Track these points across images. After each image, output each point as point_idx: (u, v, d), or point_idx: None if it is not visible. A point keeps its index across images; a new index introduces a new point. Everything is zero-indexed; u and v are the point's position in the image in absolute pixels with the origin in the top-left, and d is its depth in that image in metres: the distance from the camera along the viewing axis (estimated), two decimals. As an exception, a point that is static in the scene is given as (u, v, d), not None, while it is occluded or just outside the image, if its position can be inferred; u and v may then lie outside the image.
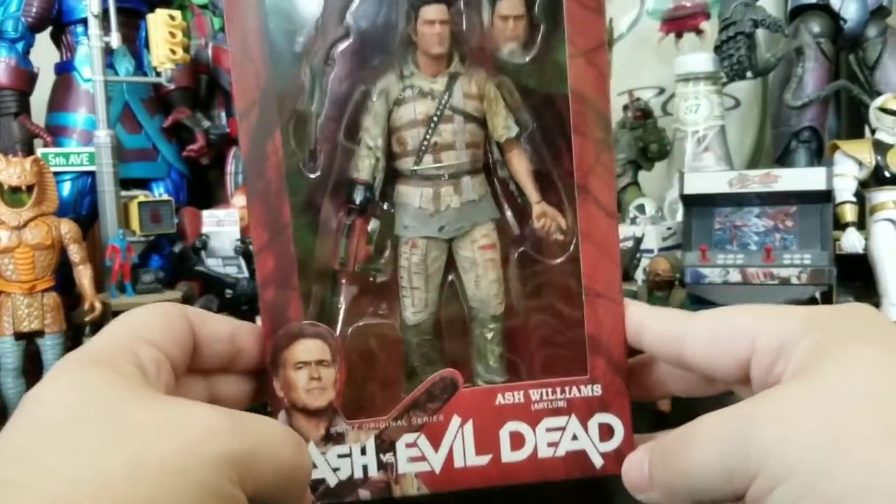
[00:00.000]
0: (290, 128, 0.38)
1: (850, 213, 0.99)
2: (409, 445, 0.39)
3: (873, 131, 1.03)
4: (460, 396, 0.39)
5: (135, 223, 1.11)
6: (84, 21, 1.12)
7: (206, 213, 1.16)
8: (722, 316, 0.33)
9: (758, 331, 0.31)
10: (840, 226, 0.99)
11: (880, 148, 0.98)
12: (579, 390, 0.39)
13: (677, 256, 1.01)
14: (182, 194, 1.27)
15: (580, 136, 0.38)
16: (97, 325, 0.97)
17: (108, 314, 1.01)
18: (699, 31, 1.30)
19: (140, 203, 1.11)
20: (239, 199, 1.21)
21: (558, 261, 0.40)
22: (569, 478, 0.39)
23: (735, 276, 0.99)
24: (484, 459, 0.39)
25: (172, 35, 1.11)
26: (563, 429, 0.39)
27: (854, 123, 1.29)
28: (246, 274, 1.11)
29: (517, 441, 0.39)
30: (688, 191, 1.04)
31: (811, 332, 0.28)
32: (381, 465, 0.39)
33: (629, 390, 0.38)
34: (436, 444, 0.39)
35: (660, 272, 0.92)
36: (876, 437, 0.23)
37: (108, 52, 1.12)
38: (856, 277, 1.03)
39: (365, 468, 0.39)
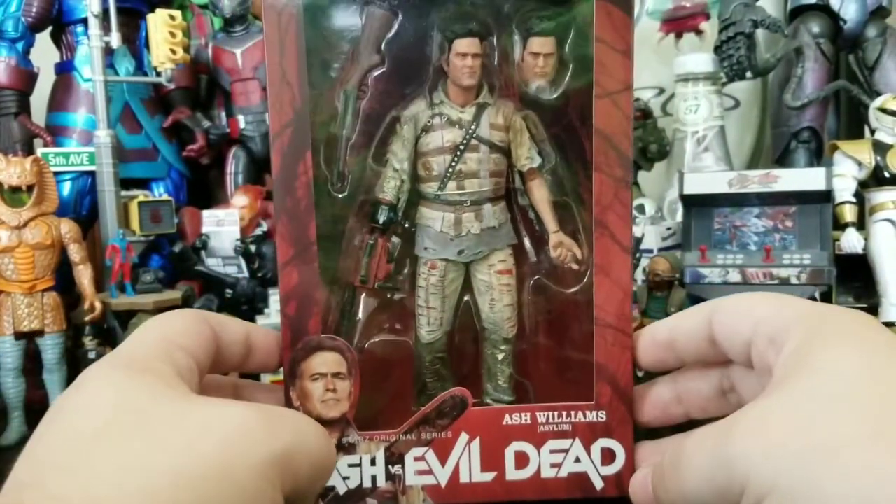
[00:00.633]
0: (321, 149, 0.39)
1: (849, 214, 0.99)
2: (417, 459, 0.40)
3: (873, 132, 1.03)
4: (469, 414, 0.40)
5: (135, 223, 1.11)
6: (84, 21, 1.12)
7: (206, 213, 1.16)
8: (738, 298, 0.34)
9: (758, 317, 0.31)
10: (840, 226, 1.00)
11: (880, 148, 0.99)
12: (584, 415, 0.40)
13: (677, 256, 1.01)
14: (182, 194, 1.27)
15: (600, 173, 0.39)
16: (97, 325, 0.97)
17: (108, 314, 1.02)
18: (699, 32, 1.30)
19: (140, 203, 1.11)
20: (239, 199, 1.21)
21: (572, 290, 0.41)
22: (569, 498, 0.40)
23: (735, 276, 0.99)
24: (489, 476, 0.40)
25: (172, 35, 1.11)
26: (566, 451, 0.40)
27: (854, 124, 1.29)
28: (246, 274, 1.11)
29: (522, 460, 0.40)
30: (687, 191, 1.04)
31: (799, 332, 0.29)
32: (390, 477, 0.40)
33: (633, 417, 0.39)
34: (443, 459, 0.40)
35: (659, 272, 0.92)
36: (853, 442, 0.23)
37: (108, 52, 1.12)
38: (855, 278, 1.03)
39: (374, 478, 0.40)
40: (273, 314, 1.04)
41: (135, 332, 0.31)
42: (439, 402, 0.40)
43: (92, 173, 1.12)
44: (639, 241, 1.04)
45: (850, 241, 0.98)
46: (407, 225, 0.42)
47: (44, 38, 1.21)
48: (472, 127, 0.40)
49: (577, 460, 0.40)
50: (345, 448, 0.40)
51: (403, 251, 0.42)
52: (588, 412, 0.40)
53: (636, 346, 0.39)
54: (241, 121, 1.30)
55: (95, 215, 1.13)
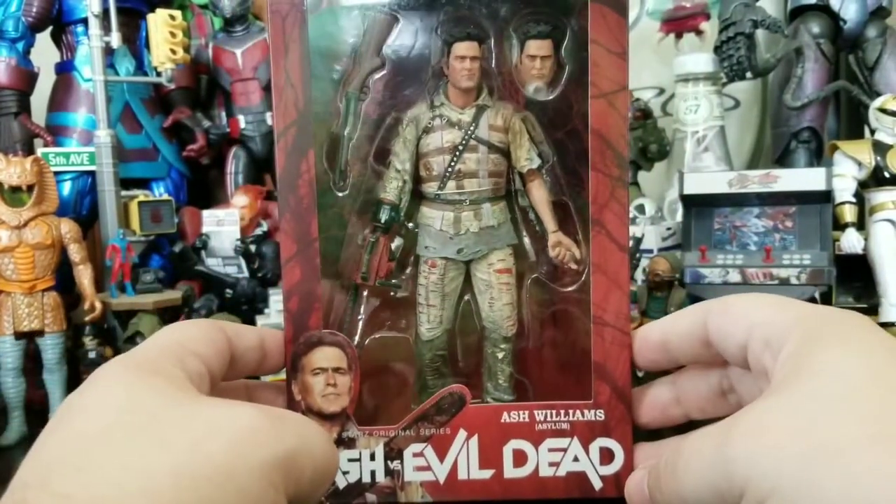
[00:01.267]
0: (323, 148, 0.39)
1: (849, 214, 0.99)
2: (416, 455, 0.40)
3: (873, 132, 1.03)
4: (468, 412, 0.40)
5: (135, 223, 1.11)
6: (84, 21, 1.12)
7: (206, 213, 1.16)
8: (732, 300, 0.34)
9: (754, 320, 0.31)
10: (839, 226, 1.00)
11: (880, 148, 0.99)
12: (583, 414, 0.40)
13: (677, 256, 1.01)
14: (182, 194, 1.27)
15: (597, 173, 0.39)
16: (97, 325, 0.97)
17: (108, 314, 1.02)
18: (699, 32, 1.30)
19: (140, 203, 1.11)
20: (239, 199, 1.21)
21: (570, 289, 0.41)
22: (568, 497, 0.40)
23: (735, 276, 0.99)
24: (487, 474, 0.40)
25: (173, 35, 1.11)
26: (564, 450, 0.40)
27: (854, 124, 1.29)
28: (246, 274, 1.11)
29: (520, 458, 0.40)
30: (687, 191, 1.04)
31: (797, 334, 0.28)
32: (389, 472, 0.40)
33: (632, 417, 0.39)
34: (441, 456, 0.40)
35: (659, 272, 0.92)
36: (855, 444, 0.23)
37: (108, 51, 1.12)
38: (855, 278, 1.03)
39: (373, 473, 0.40)
40: (273, 314, 1.04)
41: (150, 337, 0.31)
42: (438, 398, 0.41)
43: (92, 173, 1.12)
44: (639, 241, 1.04)
45: (850, 242, 0.98)
46: (410, 225, 0.42)
47: (44, 38, 1.21)
48: (471, 128, 0.41)
49: (576, 459, 0.40)
50: (345, 443, 0.40)
51: (405, 249, 0.43)
52: (587, 411, 0.40)
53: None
54: (242, 121, 1.30)
55: (95, 215, 1.13)
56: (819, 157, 1.19)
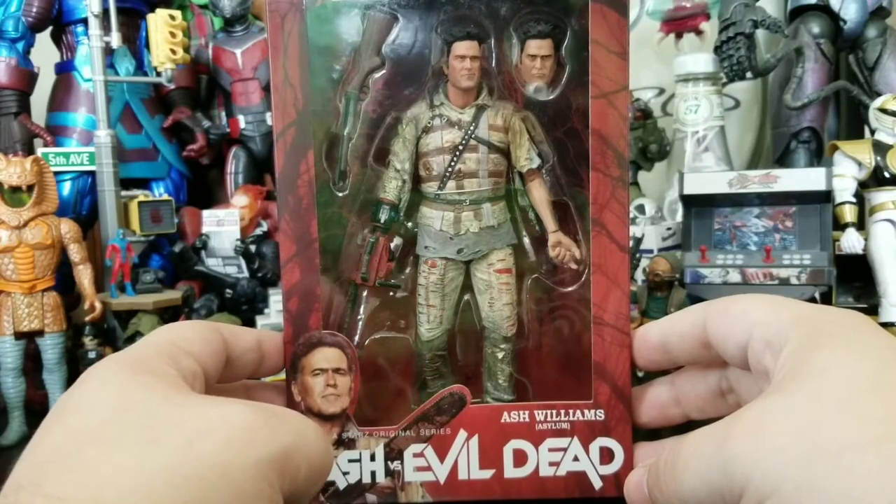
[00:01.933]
0: (322, 148, 0.39)
1: (849, 214, 0.99)
2: (416, 455, 0.40)
3: (873, 132, 1.03)
4: (468, 412, 0.40)
5: (135, 223, 1.11)
6: (84, 21, 1.12)
7: (206, 213, 1.16)
8: (731, 301, 0.34)
9: (754, 320, 0.31)
10: (840, 226, 1.00)
11: (880, 148, 0.99)
12: (583, 414, 0.40)
13: (677, 257, 1.01)
14: (182, 194, 1.27)
15: (597, 173, 0.39)
16: (97, 325, 0.97)
17: (108, 314, 1.02)
18: (699, 32, 1.30)
19: (140, 203, 1.11)
20: (239, 199, 1.21)
21: (570, 289, 0.41)
22: (568, 497, 0.40)
23: (735, 276, 0.99)
24: (487, 474, 0.40)
25: (173, 35, 1.11)
26: (564, 450, 0.40)
27: (854, 124, 1.29)
28: (246, 274, 1.11)
29: (520, 458, 0.40)
30: (687, 191, 1.04)
31: (798, 334, 0.28)
32: (389, 472, 0.40)
33: (631, 417, 0.39)
34: (442, 456, 0.40)
35: (659, 272, 0.92)
36: (857, 446, 0.23)
37: (108, 51, 1.12)
38: (855, 278, 1.03)
39: (373, 474, 0.40)
40: (273, 314, 1.04)
41: (144, 336, 0.31)
42: (438, 398, 0.40)
43: (92, 173, 1.12)
44: (639, 241, 1.04)
45: (850, 242, 0.98)
46: (410, 225, 0.42)
47: (44, 38, 1.21)
48: (471, 128, 0.41)
49: (576, 459, 0.40)
50: (345, 443, 0.40)
51: (404, 250, 0.43)
52: (587, 411, 0.40)
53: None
54: (241, 121, 1.30)
55: (95, 215, 1.13)
56: (819, 157, 1.19)
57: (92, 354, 0.96)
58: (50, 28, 1.20)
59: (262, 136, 1.29)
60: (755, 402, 0.27)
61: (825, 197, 0.98)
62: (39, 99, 1.20)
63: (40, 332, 0.90)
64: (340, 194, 0.40)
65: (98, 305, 0.96)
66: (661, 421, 0.39)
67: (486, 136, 0.41)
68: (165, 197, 1.19)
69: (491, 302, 0.43)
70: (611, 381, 0.40)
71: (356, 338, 0.41)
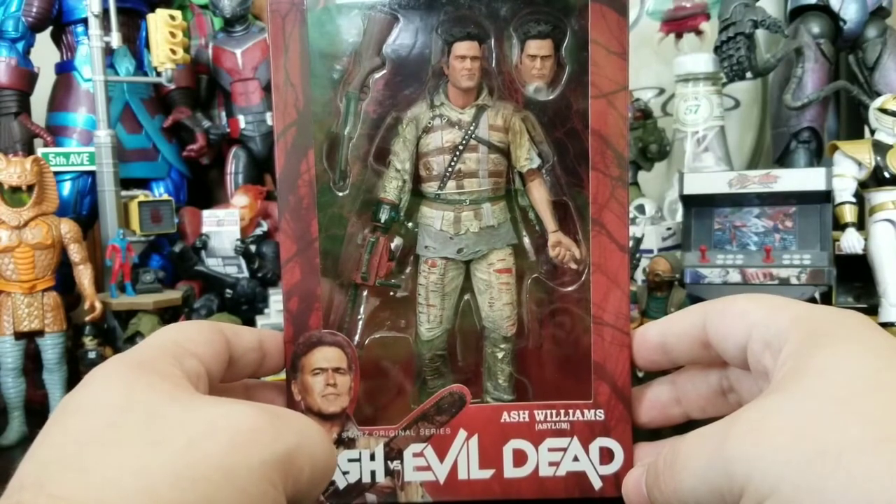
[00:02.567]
0: (323, 148, 0.40)
1: (849, 214, 0.99)
2: (416, 455, 0.40)
3: (873, 132, 1.03)
4: (468, 412, 0.40)
5: (135, 223, 1.11)
6: (84, 21, 1.12)
7: (206, 213, 1.16)
8: (730, 301, 0.34)
9: (753, 320, 0.31)
10: (839, 226, 1.00)
11: (880, 148, 0.99)
12: (583, 414, 0.40)
13: (677, 257, 1.01)
14: (182, 194, 1.27)
15: (597, 173, 0.39)
16: (97, 325, 0.97)
17: (108, 314, 1.02)
18: (699, 32, 1.30)
19: (140, 203, 1.11)
20: (239, 199, 1.21)
21: (570, 289, 0.42)
22: (568, 497, 0.40)
23: (735, 276, 0.99)
24: (487, 473, 0.40)
25: (173, 35, 1.11)
26: (564, 450, 0.40)
27: (854, 124, 1.29)
28: (246, 274, 1.11)
29: (520, 458, 0.40)
30: (687, 191, 1.04)
31: (797, 335, 0.28)
32: (389, 472, 0.40)
33: (631, 417, 0.39)
34: (441, 456, 0.40)
35: (659, 272, 0.92)
36: (857, 446, 0.23)
37: (108, 51, 1.12)
38: (855, 278, 1.03)
39: (373, 473, 0.40)
40: (273, 314, 1.04)
41: (147, 337, 0.31)
42: (438, 398, 0.41)
43: (92, 173, 1.12)
44: (639, 241, 1.04)
45: (850, 242, 0.98)
46: (410, 224, 0.42)
47: (44, 38, 1.21)
48: (471, 128, 0.41)
49: (576, 459, 0.40)
50: (345, 443, 0.40)
51: (405, 249, 0.43)
52: (586, 411, 0.40)
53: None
54: (242, 121, 1.30)
55: (95, 215, 1.13)
56: (819, 157, 1.19)
57: (92, 354, 0.96)
58: (50, 28, 1.20)
59: (262, 136, 1.29)
60: (754, 402, 0.27)
61: (825, 197, 0.98)
62: (39, 99, 1.20)
63: (40, 332, 0.90)
64: (341, 194, 0.41)
65: (98, 305, 0.96)
66: (662, 421, 0.40)
67: (487, 136, 0.41)
68: (165, 197, 1.19)
69: (491, 302, 0.43)
70: (611, 381, 0.40)
71: (356, 337, 0.41)
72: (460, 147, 0.41)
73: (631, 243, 1.02)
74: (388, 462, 0.40)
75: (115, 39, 1.09)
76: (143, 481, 0.22)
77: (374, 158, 0.41)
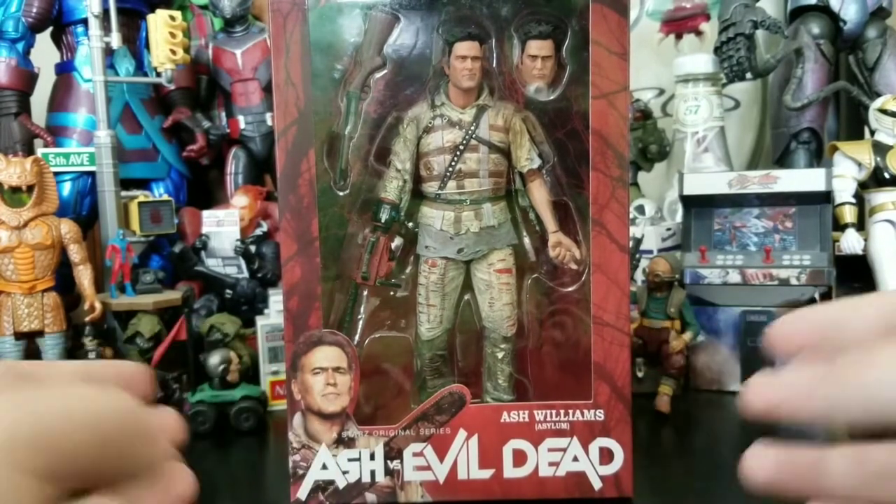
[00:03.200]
0: (324, 148, 0.40)
1: (849, 214, 1.00)
2: (415, 454, 0.40)
3: (873, 132, 1.03)
4: (467, 411, 0.41)
5: (135, 223, 1.11)
6: (84, 21, 1.12)
7: (206, 214, 1.16)
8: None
9: None
10: (839, 227, 1.00)
11: (880, 149, 0.99)
12: (582, 414, 0.40)
13: (677, 257, 1.01)
14: (182, 194, 1.27)
15: (598, 173, 0.40)
16: (97, 326, 0.97)
17: (108, 314, 1.02)
18: (699, 33, 1.30)
19: (140, 203, 1.11)
20: (239, 200, 1.21)
21: (570, 289, 0.42)
22: (568, 497, 0.40)
23: (734, 276, 0.99)
24: (486, 473, 0.40)
25: (173, 35, 1.11)
26: (564, 450, 0.40)
27: (854, 124, 1.30)
28: (246, 274, 1.11)
29: (519, 458, 0.40)
30: (687, 191, 1.04)
31: None
32: (389, 472, 0.40)
33: (631, 417, 0.39)
34: (441, 456, 0.40)
35: (659, 273, 0.92)
36: None
37: (108, 52, 1.12)
38: (855, 278, 1.03)
39: (373, 473, 0.40)
40: (273, 314, 1.04)
41: None
42: (438, 398, 0.41)
43: (92, 174, 1.12)
44: (639, 241, 1.04)
45: (850, 242, 0.99)
46: (410, 224, 0.42)
47: (44, 39, 1.21)
48: (472, 128, 0.41)
49: (576, 459, 0.40)
50: (345, 442, 0.40)
51: (405, 249, 0.43)
52: (586, 411, 0.40)
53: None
54: (241, 121, 1.30)
55: (95, 216, 1.13)
56: (819, 157, 1.19)
57: (92, 355, 0.96)
58: (50, 28, 1.20)
59: (262, 137, 1.29)
60: None
61: (825, 197, 0.98)
62: (39, 99, 1.20)
63: (40, 333, 0.90)
64: (341, 194, 0.41)
65: (98, 306, 0.96)
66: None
67: (487, 136, 0.41)
68: (165, 197, 1.19)
69: (491, 302, 0.43)
70: (610, 381, 0.40)
71: (356, 337, 0.41)
72: (461, 147, 0.41)
73: (631, 244, 1.02)
74: (388, 461, 0.40)
75: (115, 40, 1.09)
76: None
77: (375, 158, 0.42)
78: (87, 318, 0.97)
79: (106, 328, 1.01)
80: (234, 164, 1.32)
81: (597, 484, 0.39)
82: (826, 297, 0.95)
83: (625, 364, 0.40)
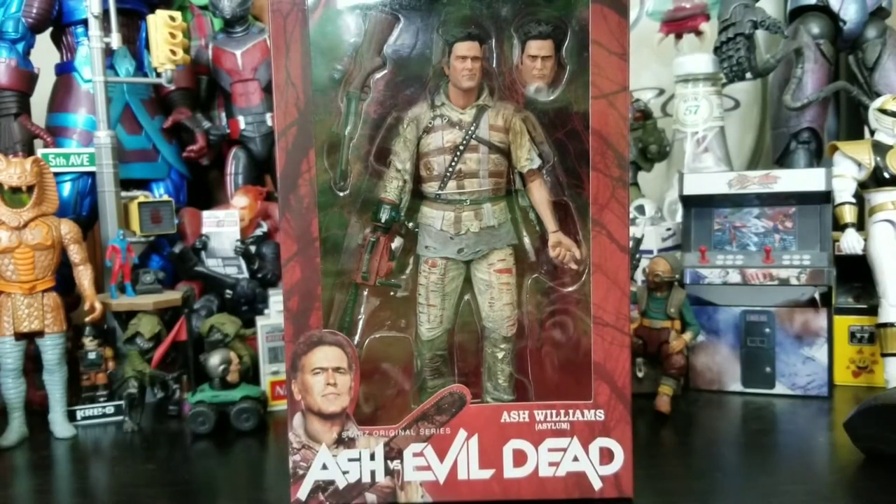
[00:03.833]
0: (324, 148, 0.40)
1: (849, 214, 1.00)
2: (416, 455, 0.40)
3: (872, 132, 1.04)
4: (467, 411, 0.41)
5: (135, 224, 1.11)
6: (84, 22, 1.12)
7: (206, 214, 1.16)
8: None
9: None
10: (839, 227, 1.00)
11: (879, 149, 0.99)
12: (583, 414, 0.40)
13: (677, 257, 1.01)
14: (182, 195, 1.28)
15: (598, 173, 0.40)
16: (97, 326, 0.97)
17: (108, 314, 1.02)
18: (699, 33, 1.30)
19: (140, 204, 1.11)
20: (239, 200, 1.21)
21: (570, 289, 0.42)
22: (568, 498, 0.40)
23: (734, 276, 0.99)
24: (486, 474, 0.40)
25: (173, 36, 1.11)
26: (564, 450, 0.40)
27: (853, 124, 1.30)
28: (246, 274, 1.11)
29: (520, 458, 0.40)
30: (687, 191, 1.04)
31: None
32: (389, 472, 0.40)
33: (631, 417, 0.40)
34: (441, 456, 0.40)
35: (659, 273, 0.92)
36: None
37: (108, 52, 1.12)
38: (855, 278, 1.03)
39: (373, 473, 0.40)
40: (273, 314, 1.04)
41: None
42: (438, 398, 0.41)
43: (92, 174, 1.12)
44: (639, 241, 1.05)
45: (850, 242, 0.99)
46: (410, 224, 0.42)
47: (44, 39, 1.21)
48: (472, 128, 0.41)
49: (576, 459, 0.40)
50: (345, 442, 0.40)
51: (405, 249, 0.43)
52: (586, 411, 0.40)
53: None
54: (241, 121, 1.30)
55: (96, 216, 1.13)
56: (819, 157, 1.20)
57: (92, 355, 0.97)
58: (50, 29, 1.20)
59: (262, 137, 1.29)
60: None
61: (825, 197, 0.98)
62: (40, 100, 1.20)
63: (40, 333, 0.90)
64: (341, 194, 0.41)
65: (98, 306, 0.96)
66: None
67: (487, 136, 0.41)
68: (165, 198, 1.19)
69: (491, 302, 0.43)
70: (611, 381, 0.40)
71: (356, 337, 0.41)
72: (461, 147, 0.41)
73: (631, 244, 1.02)
74: (388, 462, 0.40)
75: (115, 40, 1.09)
76: None
77: (375, 158, 0.42)
78: (87, 319, 0.97)
79: (106, 328, 1.01)
80: (234, 164, 1.32)
81: (597, 484, 0.39)
82: (826, 297, 0.95)
83: (625, 364, 0.40)
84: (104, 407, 0.96)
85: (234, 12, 1.26)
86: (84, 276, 0.96)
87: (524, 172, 0.42)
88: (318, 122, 0.39)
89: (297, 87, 0.38)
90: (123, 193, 1.12)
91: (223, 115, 1.35)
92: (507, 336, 0.43)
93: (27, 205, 0.89)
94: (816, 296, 0.95)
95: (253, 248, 1.12)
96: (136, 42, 1.22)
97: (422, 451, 0.40)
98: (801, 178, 1.00)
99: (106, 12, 1.08)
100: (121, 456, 0.84)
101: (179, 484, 0.72)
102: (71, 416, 0.93)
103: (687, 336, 0.93)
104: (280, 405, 0.95)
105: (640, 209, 1.21)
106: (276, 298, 1.04)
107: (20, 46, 1.15)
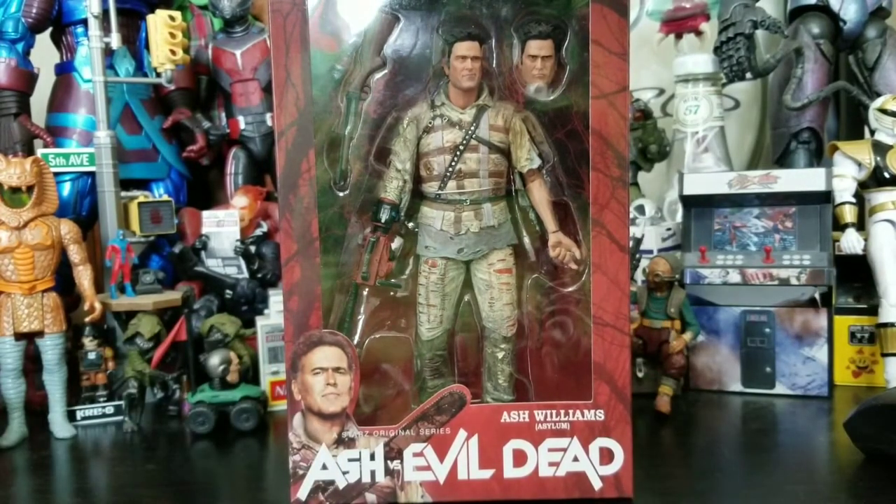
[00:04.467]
0: (324, 148, 0.40)
1: (849, 214, 1.00)
2: (416, 455, 0.40)
3: (873, 132, 1.04)
4: (468, 411, 0.41)
5: (135, 224, 1.11)
6: (84, 22, 1.12)
7: (206, 214, 1.16)
8: None
9: None
10: (839, 227, 1.00)
11: (880, 149, 0.99)
12: (583, 414, 0.40)
13: (677, 257, 1.01)
14: (182, 195, 1.28)
15: (597, 173, 0.40)
16: (97, 326, 0.97)
17: (108, 315, 1.02)
18: (699, 33, 1.30)
19: (140, 204, 1.11)
20: (239, 200, 1.21)
21: (570, 289, 0.42)
22: (568, 498, 0.40)
23: (734, 276, 0.99)
24: (486, 474, 0.40)
25: (172, 36, 1.11)
26: (564, 450, 0.40)
27: (853, 124, 1.30)
28: (246, 274, 1.11)
29: (520, 458, 0.40)
30: (687, 191, 1.04)
31: None
32: (389, 472, 0.40)
33: (631, 417, 0.40)
34: (441, 456, 0.40)
35: (659, 273, 0.92)
36: None
37: (108, 52, 1.12)
38: (855, 278, 1.03)
39: (373, 473, 0.40)
40: (273, 314, 1.04)
41: None
42: (438, 398, 0.41)
43: (92, 174, 1.12)
44: (639, 241, 1.05)
45: (850, 242, 0.99)
46: (410, 224, 0.42)
47: (44, 39, 1.21)
48: (472, 128, 0.41)
49: (576, 459, 0.40)
50: (345, 442, 0.40)
51: (405, 249, 0.43)
52: (586, 411, 0.40)
53: None
54: (241, 121, 1.30)
55: (95, 216, 1.13)
56: (819, 157, 1.20)
57: (92, 355, 0.97)
58: (50, 29, 1.20)
59: (261, 137, 1.29)
60: None
61: (825, 197, 0.98)
62: (39, 100, 1.20)
63: (40, 333, 0.90)
64: (341, 194, 0.41)
65: (98, 306, 0.96)
66: None
67: (487, 136, 0.41)
68: (165, 198, 1.19)
69: (491, 302, 0.43)
70: (610, 381, 0.40)
71: (356, 337, 0.41)
72: (461, 147, 0.41)
73: (631, 244, 1.02)
74: (388, 462, 0.40)
75: (115, 40, 1.09)
76: None
77: (375, 158, 0.42)
78: (87, 319, 0.97)
79: (106, 328, 1.01)
80: (234, 164, 1.32)
81: (597, 484, 0.39)
82: (826, 297, 0.95)
83: (625, 364, 0.40)
84: (104, 407, 0.96)
85: (234, 12, 1.26)
86: (84, 277, 0.96)
87: (524, 172, 0.42)
88: (318, 121, 0.39)
89: (297, 86, 0.38)
90: (123, 193, 1.12)
91: (223, 115, 1.35)
92: (507, 336, 0.43)
93: (27, 205, 0.89)
94: (816, 296, 0.95)
95: (253, 248, 1.12)
96: (135, 42, 1.22)
97: (422, 451, 0.40)
98: (801, 178, 1.00)
99: (106, 12, 1.08)
100: (121, 456, 0.84)
101: (179, 484, 0.72)
102: (71, 417, 0.93)
103: (687, 336, 0.93)
104: (280, 405, 0.95)
105: (640, 209, 1.21)
106: (276, 298, 1.04)
107: (20, 46, 1.15)
